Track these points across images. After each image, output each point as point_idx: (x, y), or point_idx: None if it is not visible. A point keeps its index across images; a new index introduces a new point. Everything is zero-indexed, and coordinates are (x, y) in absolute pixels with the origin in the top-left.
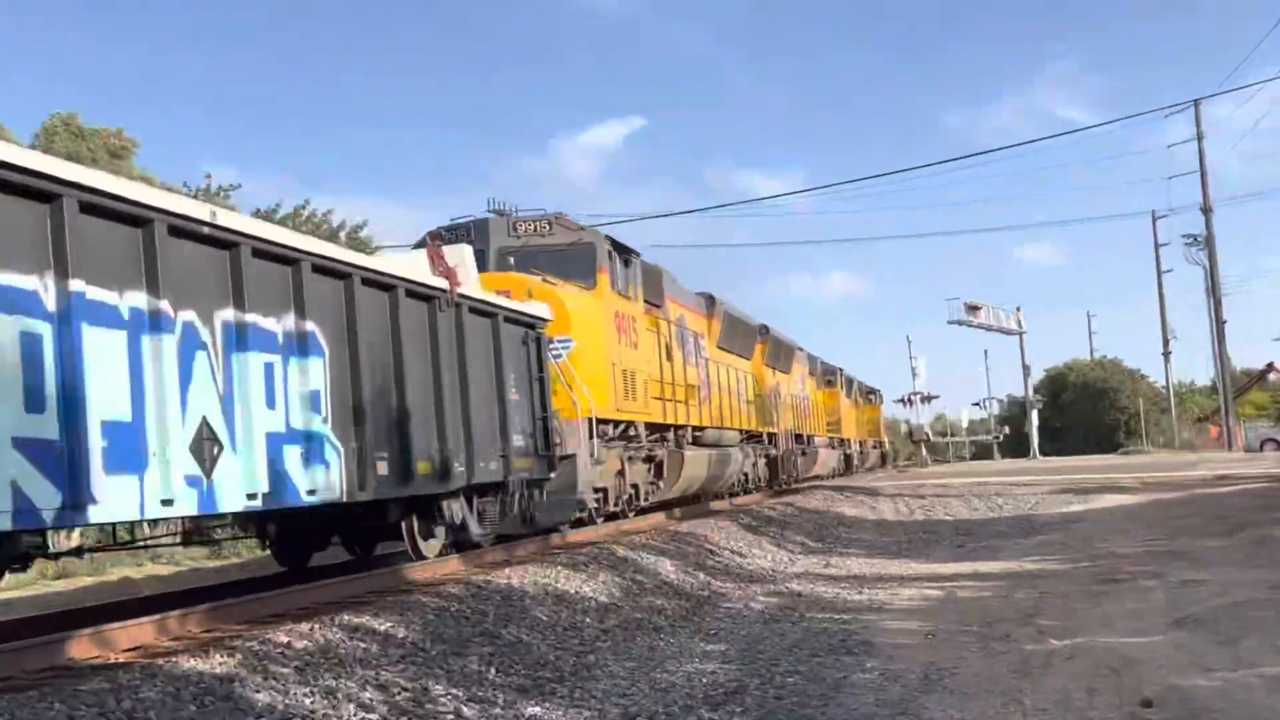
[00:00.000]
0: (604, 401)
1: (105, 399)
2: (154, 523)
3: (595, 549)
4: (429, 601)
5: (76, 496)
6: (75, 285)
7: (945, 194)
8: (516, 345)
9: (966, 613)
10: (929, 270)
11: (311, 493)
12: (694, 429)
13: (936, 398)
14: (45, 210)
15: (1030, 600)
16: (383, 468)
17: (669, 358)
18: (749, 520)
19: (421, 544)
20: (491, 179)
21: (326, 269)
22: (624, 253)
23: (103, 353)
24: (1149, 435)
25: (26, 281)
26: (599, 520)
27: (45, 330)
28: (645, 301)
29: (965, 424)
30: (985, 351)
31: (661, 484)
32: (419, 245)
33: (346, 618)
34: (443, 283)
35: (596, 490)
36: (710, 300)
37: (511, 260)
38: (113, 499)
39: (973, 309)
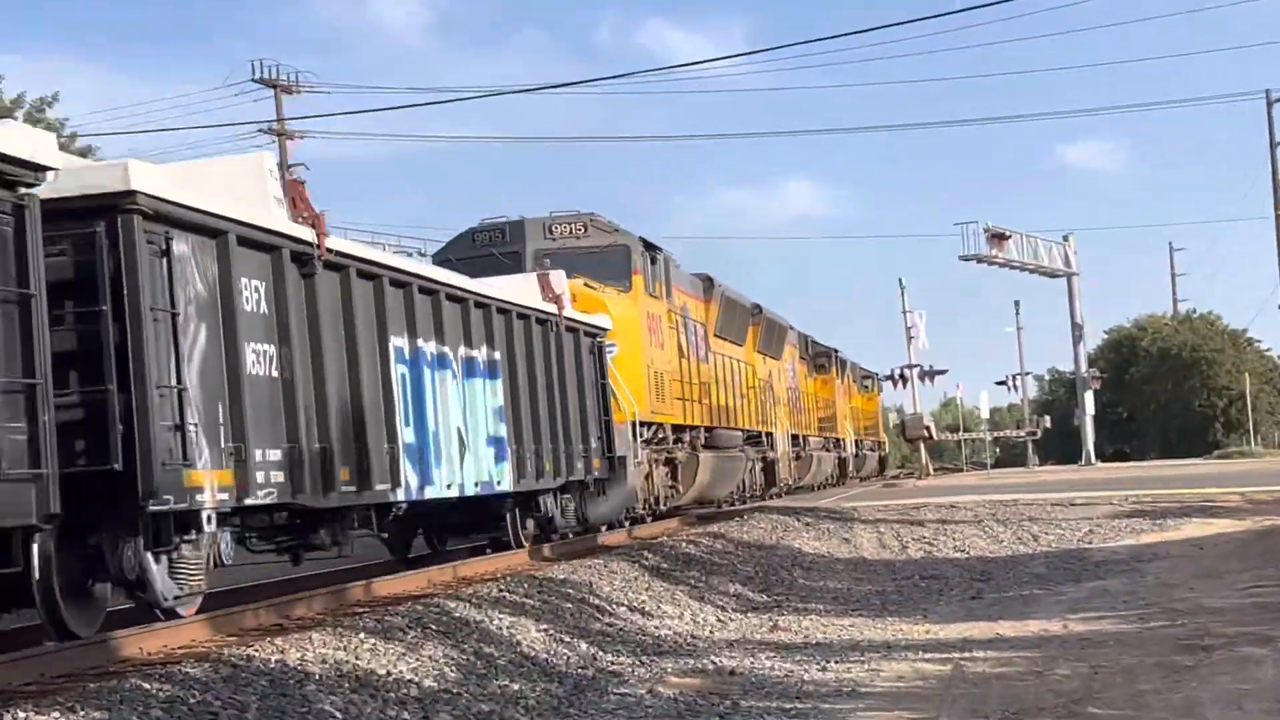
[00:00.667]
0: (642, 404)
1: (433, 416)
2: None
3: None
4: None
5: (424, 480)
6: (417, 341)
7: (952, 61)
8: (587, 354)
9: (983, 700)
10: (931, 182)
11: (500, 484)
12: (705, 430)
13: (943, 373)
14: (401, 292)
15: (1078, 679)
16: (529, 465)
17: (683, 354)
18: (658, 560)
19: (521, 533)
20: (253, 32)
21: (502, 309)
22: (652, 250)
23: (431, 384)
24: (1259, 430)
25: (400, 340)
26: (625, 524)
27: (408, 371)
28: (666, 298)
29: (985, 413)
30: (1016, 304)
31: (680, 487)
32: (443, 261)
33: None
34: (553, 307)
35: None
36: (708, 283)
37: (548, 262)
38: (436, 483)
39: (997, 238)
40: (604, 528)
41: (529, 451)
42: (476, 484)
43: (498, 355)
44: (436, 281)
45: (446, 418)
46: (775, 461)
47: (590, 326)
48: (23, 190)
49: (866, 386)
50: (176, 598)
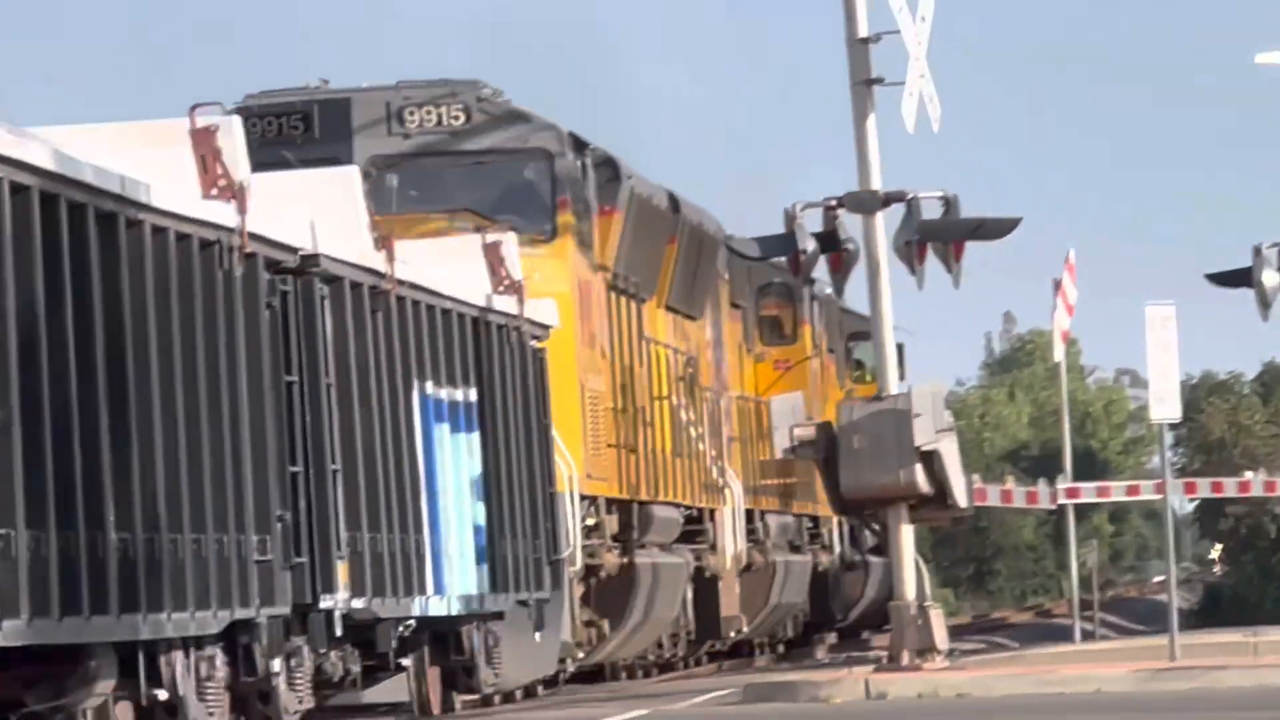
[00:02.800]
0: (578, 457)
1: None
2: None
3: None
4: None
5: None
6: None
7: None
8: (533, 375)
9: None
10: None
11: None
12: (638, 506)
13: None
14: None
15: None
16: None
17: (614, 352)
18: None
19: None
20: None
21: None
22: (586, 155)
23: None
24: None
25: None
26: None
27: None
28: (597, 248)
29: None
30: None
31: (603, 627)
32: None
33: None
34: (512, 301)
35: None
36: (611, 171)
37: (394, 181)
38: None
39: None
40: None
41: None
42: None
43: (473, 395)
44: None
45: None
46: (717, 579)
47: (533, 326)
48: None
49: (861, 365)
50: None
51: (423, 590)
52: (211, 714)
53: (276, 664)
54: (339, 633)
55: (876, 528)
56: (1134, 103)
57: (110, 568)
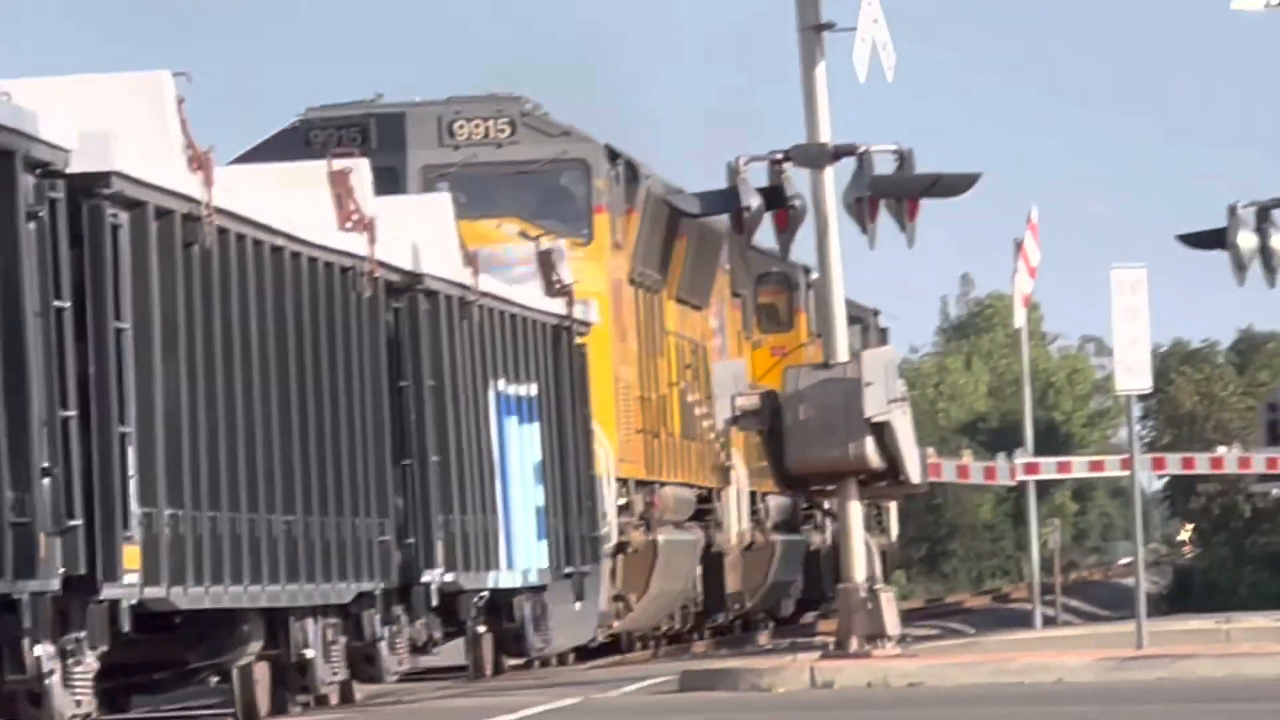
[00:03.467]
0: (614, 443)
1: None
2: None
3: None
4: None
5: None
6: None
7: None
8: (576, 367)
9: None
10: None
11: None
12: (658, 486)
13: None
14: None
15: None
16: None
17: (642, 345)
18: None
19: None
20: None
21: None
22: (620, 166)
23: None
24: None
25: None
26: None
27: None
28: (631, 249)
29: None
30: None
31: (629, 599)
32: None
33: None
34: (560, 304)
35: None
36: (630, 173)
37: (444, 186)
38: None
39: None
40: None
41: (557, 525)
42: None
43: (534, 390)
44: None
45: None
46: (723, 556)
47: (579, 324)
48: None
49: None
50: None
51: (496, 565)
52: (335, 673)
53: (383, 630)
54: (434, 603)
55: (827, 505)
56: (1103, 56)
57: (264, 545)
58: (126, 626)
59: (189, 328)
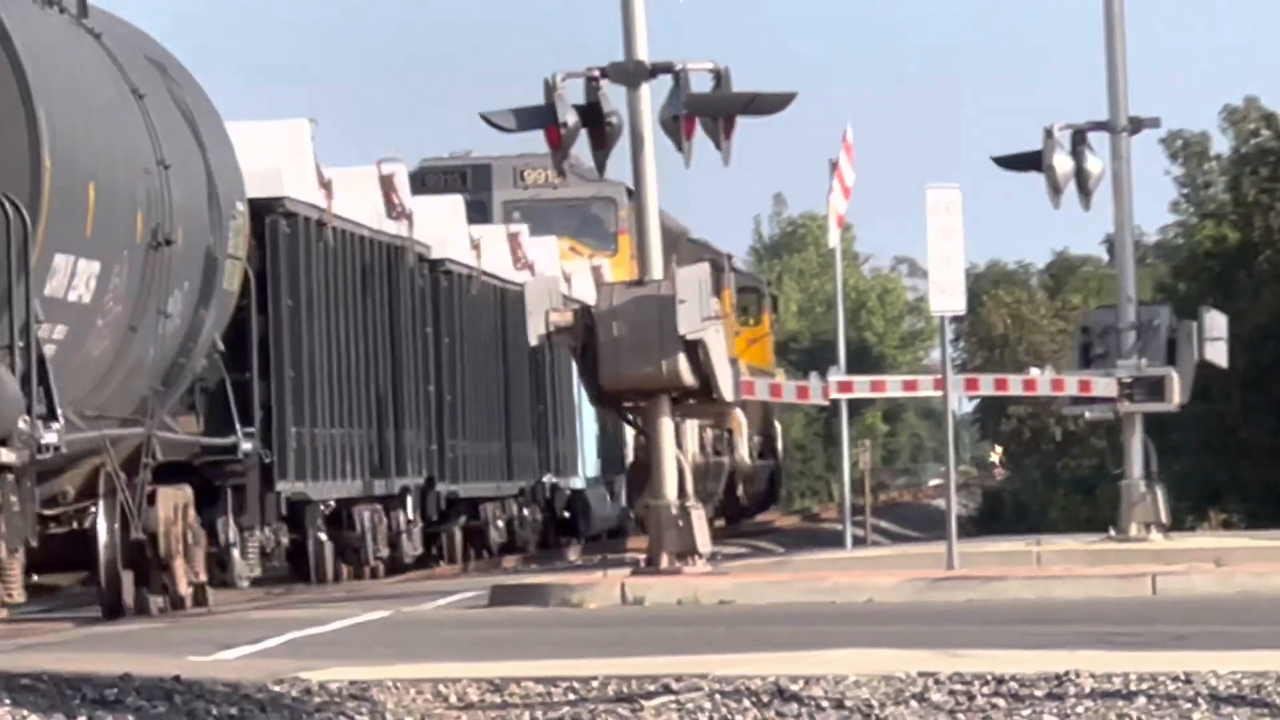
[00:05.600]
0: None
1: None
2: None
3: None
4: None
5: None
6: None
7: None
8: None
9: None
10: None
11: None
12: None
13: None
14: None
15: None
16: None
17: None
18: None
19: None
20: None
21: None
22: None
23: None
24: None
25: None
26: None
27: None
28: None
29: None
30: None
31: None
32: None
33: None
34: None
35: None
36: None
37: (517, 215)
38: None
39: None
40: None
41: (603, 446)
42: (586, 477)
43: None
44: None
45: None
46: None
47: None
48: None
49: (747, 311)
50: None
51: (575, 472)
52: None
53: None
54: (549, 497)
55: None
56: None
57: (348, 452)
58: (284, 512)
59: (317, 299)
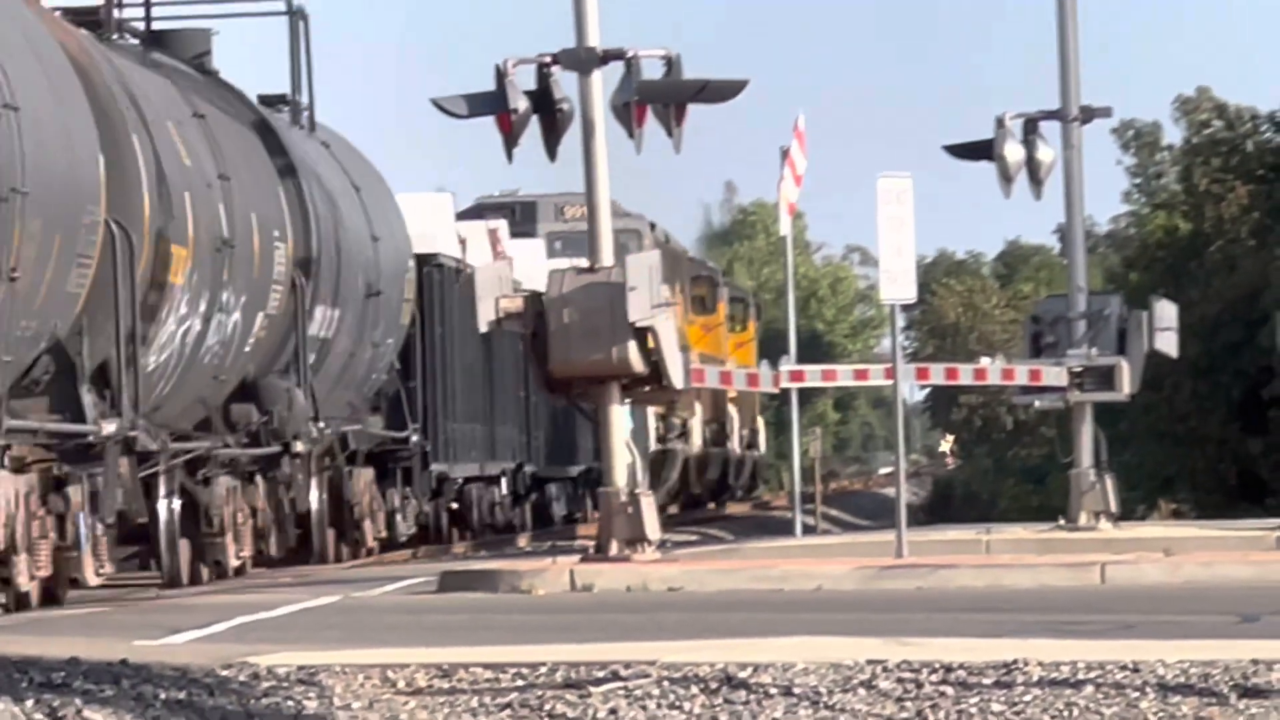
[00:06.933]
0: None
1: None
2: None
3: None
4: None
5: None
6: None
7: None
8: None
9: None
10: None
11: None
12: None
13: None
14: None
15: None
16: None
17: None
18: None
19: None
20: None
21: None
22: (656, 233)
23: None
24: None
25: None
26: None
27: None
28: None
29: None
30: None
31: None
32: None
33: None
34: None
35: None
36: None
37: (558, 245)
38: None
39: None
40: None
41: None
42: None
43: None
44: None
45: None
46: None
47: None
48: None
49: (735, 318)
50: None
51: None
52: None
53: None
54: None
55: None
56: None
57: (473, 441)
58: (435, 485)
59: (454, 325)
